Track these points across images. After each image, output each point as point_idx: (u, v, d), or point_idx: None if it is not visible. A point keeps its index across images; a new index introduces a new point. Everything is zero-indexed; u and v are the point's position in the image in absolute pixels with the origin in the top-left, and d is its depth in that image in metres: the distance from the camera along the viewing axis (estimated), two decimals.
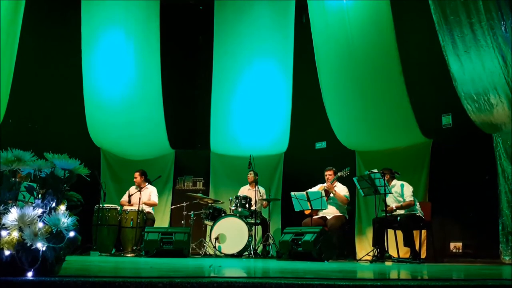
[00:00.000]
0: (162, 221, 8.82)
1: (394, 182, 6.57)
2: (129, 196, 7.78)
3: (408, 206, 6.33)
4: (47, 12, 8.53)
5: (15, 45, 8.01)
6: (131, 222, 7.19)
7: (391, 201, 6.53)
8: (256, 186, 7.91)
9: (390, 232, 6.59)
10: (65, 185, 2.12)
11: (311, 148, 9.05)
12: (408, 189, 6.41)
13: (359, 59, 7.83)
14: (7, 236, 1.85)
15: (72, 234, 1.97)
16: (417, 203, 6.44)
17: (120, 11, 8.92)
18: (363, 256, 6.72)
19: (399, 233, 6.50)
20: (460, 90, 6.53)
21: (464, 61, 6.34)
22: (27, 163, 2.06)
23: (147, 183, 7.83)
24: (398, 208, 6.39)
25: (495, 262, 5.99)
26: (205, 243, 7.66)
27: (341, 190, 7.11)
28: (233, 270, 3.38)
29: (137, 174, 7.81)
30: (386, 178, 6.46)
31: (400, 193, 6.43)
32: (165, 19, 9.11)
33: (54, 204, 2.01)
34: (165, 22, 9.10)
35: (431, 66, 7.13)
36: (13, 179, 2.09)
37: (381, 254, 6.18)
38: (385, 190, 6.22)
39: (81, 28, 8.59)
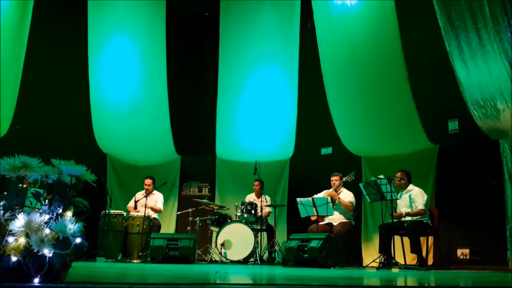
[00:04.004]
0: (168, 227, 8.82)
1: (411, 187, 6.53)
2: (136, 202, 7.80)
3: (417, 214, 6.28)
4: (53, 19, 8.57)
5: (23, 51, 8.07)
6: (137, 228, 7.19)
7: (402, 205, 6.49)
8: (262, 195, 7.90)
9: (397, 238, 6.55)
10: (72, 191, 2.12)
11: (316, 154, 9.02)
12: (423, 197, 6.33)
13: (364, 65, 7.82)
14: (14, 242, 1.86)
15: (78, 240, 1.97)
16: (428, 213, 6.38)
17: (126, 17, 8.96)
18: (370, 263, 6.68)
19: (406, 240, 6.46)
20: (466, 95, 6.49)
21: (471, 67, 6.30)
22: (34, 169, 2.07)
23: (154, 189, 7.85)
24: (407, 214, 6.34)
25: (503, 269, 5.94)
26: (211, 249, 7.65)
27: (346, 196, 7.08)
28: (239, 277, 3.37)
29: (150, 182, 7.80)
30: (402, 183, 6.45)
31: (411, 199, 6.39)
32: (171, 25, 9.14)
33: (60, 210, 2.02)
34: (171, 28, 9.13)
35: (437, 71, 7.11)
36: (20, 185, 2.10)
37: (387, 261, 6.14)
38: (391, 196, 6.19)
39: (87, 34, 8.63)
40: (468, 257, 6.60)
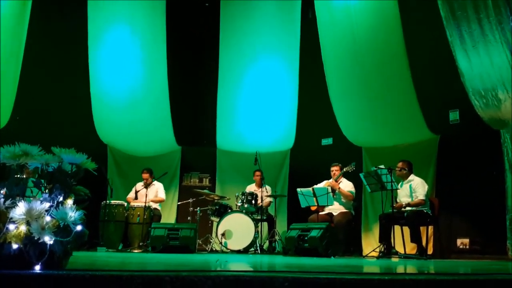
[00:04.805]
0: (169, 217, 8.85)
1: (412, 177, 6.52)
2: (136, 192, 7.81)
3: (418, 204, 6.28)
4: (53, 9, 8.53)
5: (22, 42, 8.04)
6: (138, 218, 7.22)
7: (403, 195, 6.49)
8: (262, 186, 7.93)
9: (397, 228, 6.57)
10: (72, 180, 2.12)
11: (317, 145, 9.03)
12: (424, 188, 6.32)
13: (365, 55, 7.79)
14: (15, 230, 1.86)
15: (79, 228, 1.97)
16: (428, 203, 6.37)
17: (126, 8, 8.91)
18: (370, 252, 6.71)
19: (406, 229, 6.48)
20: (468, 85, 6.48)
21: (472, 57, 6.29)
22: (34, 157, 2.07)
23: (153, 180, 7.86)
24: (407, 205, 6.34)
25: (502, 258, 5.96)
26: (211, 239, 7.67)
27: (346, 186, 7.09)
28: (240, 265, 3.39)
29: (147, 175, 7.82)
30: (403, 173, 6.45)
31: (411, 189, 6.39)
32: (171, 16, 9.10)
33: (61, 198, 2.02)
34: (171, 18, 9.09)
35: (439, 61, 7.08)
36: (21, 174, 2.10)
37: (387, 250, 6.16)
38: (391, 186, 6.20)
39: (87, 25, 8.59)
40: (468, 247, 6.62)
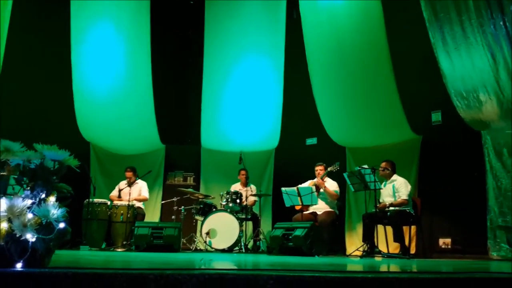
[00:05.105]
0: (153, 216, 8.79)
1: (395, 177, 6.58)
2: (119, 190, 7.75)
3: (401, 204, 6.33)
4: (36, 5, 8.41)
5: (3, 38, 7.90)
6: (121, 217, 7.16)
7: (386, 195, 6.54)
8: (247, 185, 7.93)
9: (380, 227, 6.62)
10: (54, 177, 2.09)
11: (301, 144, 9.06)
12: (407, 188, 6.37)
13: (349, 56, 7.84)
14: None
15: (61, 225, 1.95)
16: (411, 202, 6.43)
17: (110, 5, 8.82)
18: (353, 252, 6.75)
19: (389, 229, 6.53)
20: (450, 87, 6.57)
21: (454, 58, 6.37)
22: (16, 154, 2.04)
23: (137, 178, 7.82)
24: (390, 205, 6.39)
25: (483, 257, 6.05)
26: (195, 238, 7.65)
27: (331, 185, 7.12)
28: (224, 263, 3.39)
29: (130, 174, 7.78)
30: (386, 172, 6.49)
31: (394, 189, 6.43)
32: (156, 14, 9.04)
33: (43, 195, 2.00)
34: (155, 16, 9.03)
35: (422, 63, 7.16)
36: (2, 170, 2.07)
37: (371, 250, 6.21)
38: (375, 186, 6.25)
39: (70, 22, 8.48)
40: (449, 246, 6.71)
